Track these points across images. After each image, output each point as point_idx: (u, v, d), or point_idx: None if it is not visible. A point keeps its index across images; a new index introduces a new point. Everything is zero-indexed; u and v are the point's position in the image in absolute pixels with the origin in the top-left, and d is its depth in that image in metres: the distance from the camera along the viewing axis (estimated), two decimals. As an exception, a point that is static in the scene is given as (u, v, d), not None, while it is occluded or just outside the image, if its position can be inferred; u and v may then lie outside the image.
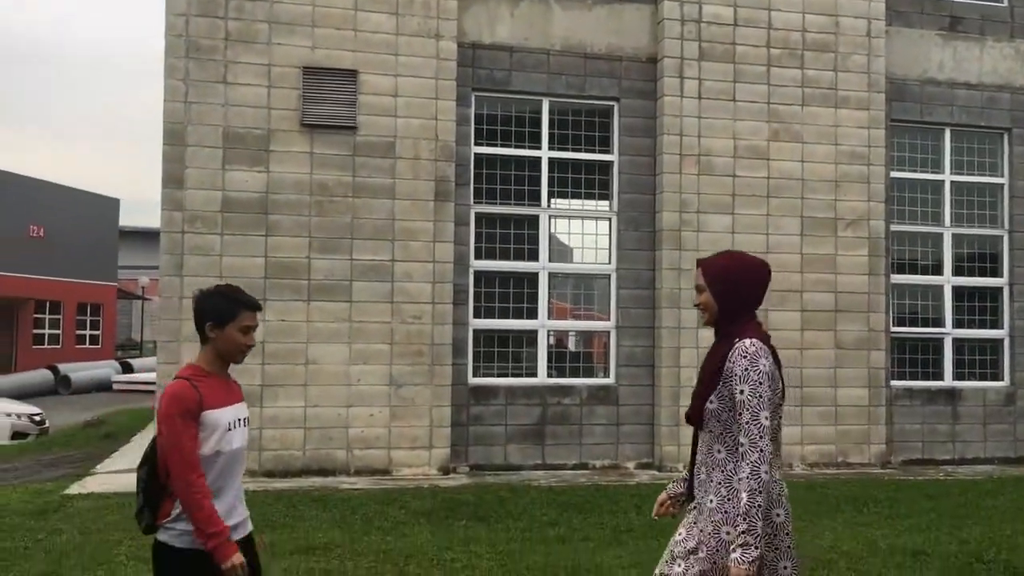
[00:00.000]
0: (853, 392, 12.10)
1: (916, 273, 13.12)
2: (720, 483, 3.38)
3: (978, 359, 13.18)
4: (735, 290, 3.43)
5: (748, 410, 3.26)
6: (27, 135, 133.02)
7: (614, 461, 11.66)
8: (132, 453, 12.79)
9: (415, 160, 11.13)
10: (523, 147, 12.00)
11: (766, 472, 3.21)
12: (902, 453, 12.51)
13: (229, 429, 3.47)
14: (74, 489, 9.81)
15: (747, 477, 3.21)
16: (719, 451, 3.39)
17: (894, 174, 12.84)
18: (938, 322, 13.12)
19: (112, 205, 40.45)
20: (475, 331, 11.67)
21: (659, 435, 11.67)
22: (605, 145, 12.17)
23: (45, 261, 35.13)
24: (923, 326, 13.08)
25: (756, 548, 3.17)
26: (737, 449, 3.34)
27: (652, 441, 11.81)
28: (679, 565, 3.43)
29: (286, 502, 9.00)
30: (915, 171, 13.14)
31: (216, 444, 3.42)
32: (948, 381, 12.94)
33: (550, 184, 12.03)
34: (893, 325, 12.74)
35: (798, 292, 11.99)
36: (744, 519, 3.19)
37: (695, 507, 3.52)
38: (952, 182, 13.18)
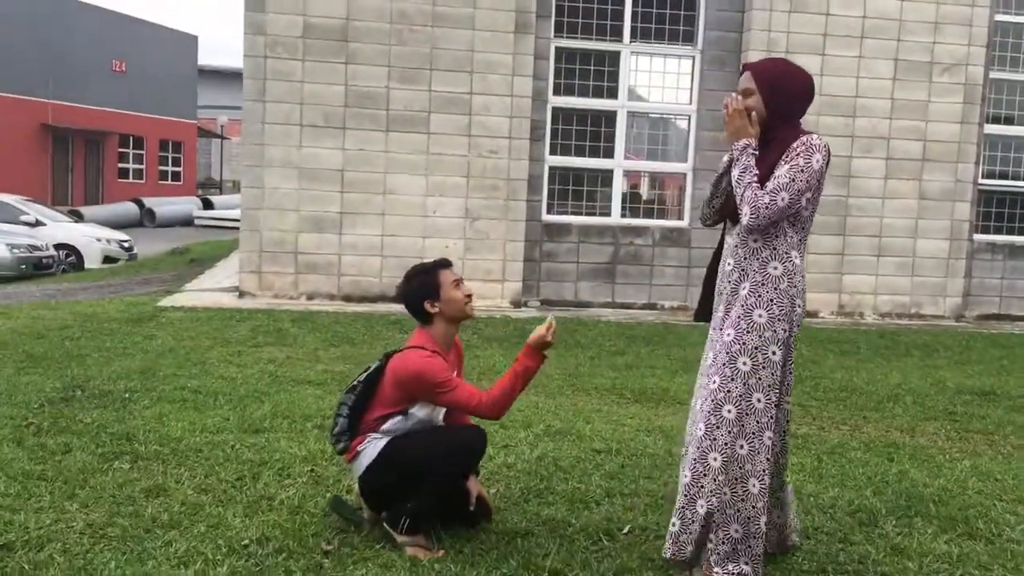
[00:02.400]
0: (933, 244, 11.87)
1: (1012, 124, 12.56)
2: (756, 270, 3.31)
3: (1068, 216, 12.76)
4: (786, 95, 3.31)
5: (775, 182, 3.19)
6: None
7: (683, 302, 11.75)
8: (218, 275, 13.34)
9: (496, -11, 10.89)
10: (607, -21, 11.62)
11: (754, 217, 3.19)
12: (978, 307, 12.34)
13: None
14: (166, 303, 10.32)
15: (750, 190, 3.22)
16: (755, 240, 3.33)
17: (999, 17, 12.12)
18: (1030, 176, 12.66)
19: (191, 42, 40.57)
20: (551, 168, 11.66)
21: (730, 279, 11.65)
22: (693, -21, 11.72)
23: (127, 96, 35.68)
24: (1013, 179, 12.64)
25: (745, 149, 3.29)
26: (776, 236, 3.28)
27: (723, 284, 11.81)
28: (709, 378, 3.34)
29: (364, 322, 9.35)
30: (1022, 14, 12.38)
31: (421, 409, 3.70)
32: (1034, 237, 12.61)
33: (633, 19, 11.67)
34: (982, 177, 12.32)
35: (884, 139, 11.63)
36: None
37: (723, 309, 3.40)
38: (1061, 28, 12.43)
